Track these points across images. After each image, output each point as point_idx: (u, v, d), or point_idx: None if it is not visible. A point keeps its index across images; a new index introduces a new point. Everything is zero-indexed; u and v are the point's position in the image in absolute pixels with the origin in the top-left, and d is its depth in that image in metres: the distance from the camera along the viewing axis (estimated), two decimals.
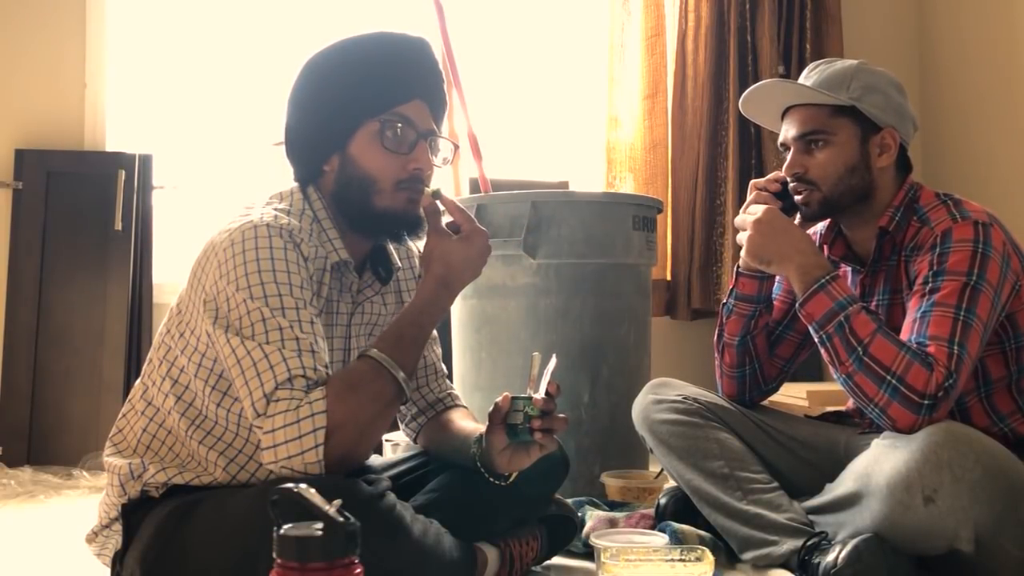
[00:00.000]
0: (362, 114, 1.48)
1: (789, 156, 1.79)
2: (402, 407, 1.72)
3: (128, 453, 1.45)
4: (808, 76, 1.80)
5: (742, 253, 1.82)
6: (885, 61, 1.81)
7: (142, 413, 1.47)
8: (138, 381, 1.51)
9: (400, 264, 1.66)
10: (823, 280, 1.63)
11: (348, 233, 1.53)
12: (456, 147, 1.65)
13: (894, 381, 1.54)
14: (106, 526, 1.45)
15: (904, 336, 1.61)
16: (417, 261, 1.69)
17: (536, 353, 1.53)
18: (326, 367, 1.34)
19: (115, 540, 1.43)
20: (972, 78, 3.76)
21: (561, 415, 1.48)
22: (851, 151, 1.74)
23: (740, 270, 1.87)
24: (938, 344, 1.56)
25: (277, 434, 1.26)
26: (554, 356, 1.54)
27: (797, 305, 1.66)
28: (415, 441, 1.76)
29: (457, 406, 1.75)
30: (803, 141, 1.77)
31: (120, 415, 1.50)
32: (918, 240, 1.71)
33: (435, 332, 1.75)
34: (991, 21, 3.67)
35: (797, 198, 1.78)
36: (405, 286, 1.68)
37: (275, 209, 1.46)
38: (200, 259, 1.44)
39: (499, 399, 1.49)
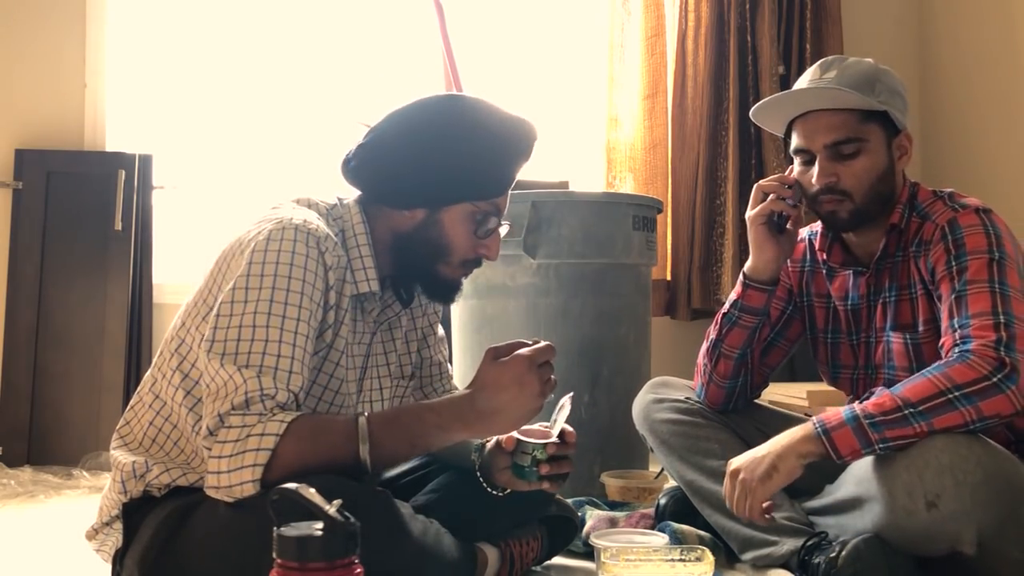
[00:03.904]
0: (472, 195, 1.49)
1: (817, 165, 1.69)
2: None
3: (134, 446, 1.44)
4: (824, 76, 1.70)
5: (747, 264, 1.81)
6: (885, 61, 1.79)
7: (149, 406, 1.45)
8: (148, 372, 1.49)
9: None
10: (817, 430, 1.52)
11: (381, 258, 1.51)
12: (510, 226, 1.62)
13: (956, 393, 1.47)
14: (107, 523, 1.44)
15: (944, 323, 1.59)
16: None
17: (571, 395, 1.52)
18: (296, 390, 1.30)
19: (115, 538, 1.43)
20: (972, 78, 3.75)
21: (567, 459, 1.50)
22: (881, 157, 1.69)
23: (748, 281, 1.80)
24: (982, 320, 1.52)
25: (222, 462, 1.24)
26: (569, 397, 1.51)
27: (838, 460, 1.53)
28: None
29: None
30: (834, 148, 1.68)
31: (129, 406, 1.49)
32: (922, 235, 1.69)
33: (442, 331, 1.75)
34: (991, 22, 3.67)
35: (827, 208, 1.70)
36: (421, 311, 1.67)
37: (311, 216, 1.43)
38: (226, 254, 1.41)
39: (504, 438, 1.49)
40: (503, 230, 1.56)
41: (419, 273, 1.52)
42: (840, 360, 1.85)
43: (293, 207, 1.46)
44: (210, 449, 1.26)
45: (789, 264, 1.89)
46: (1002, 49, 3.60)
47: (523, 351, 1.36)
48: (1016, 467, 1.48)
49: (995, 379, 1.46)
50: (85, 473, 2.89)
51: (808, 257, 1.89)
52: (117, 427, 1.49)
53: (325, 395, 1.45)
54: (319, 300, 1.37)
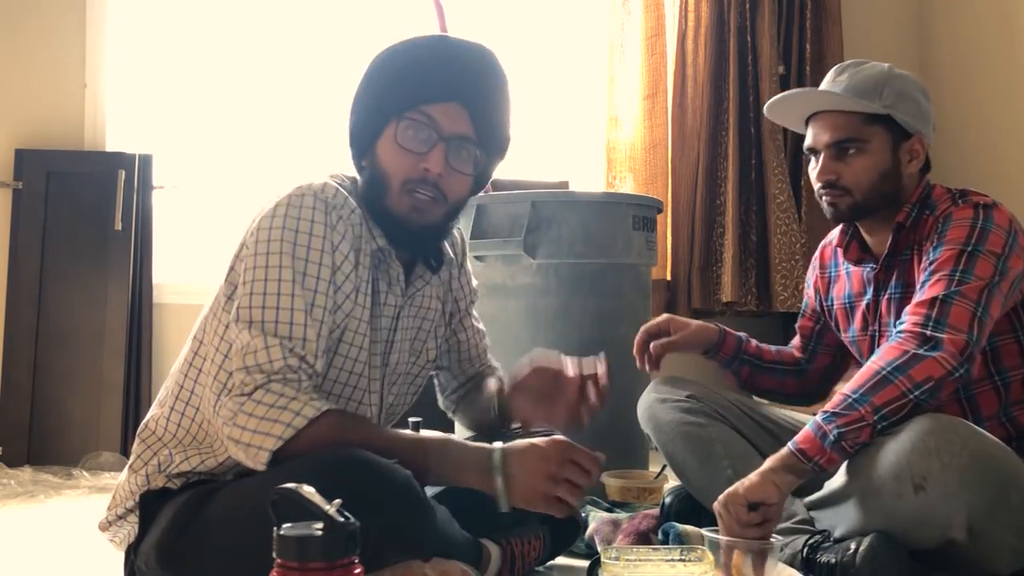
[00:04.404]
0: (389, 111, 1.44)
1: (820, 162, 1.77)
2: (441, 378, 1.77)
3: (157, 447, 1.45)
4: (836, 80, 1.77)
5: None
6: (885, 61, 1.80)
7: (177, 396, 1.46)
8: (171, 376, 1.50)
9: (450, 255, 1.64)
10: (786, 459, 1.52)
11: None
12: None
13: (888, 369, 1.52)
14: (121, 516, 1.45)
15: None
16: (466, 250, 1.72)
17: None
18: (315, 358, 1.34)
19: (128, 530, 1.43)
20: (972, 78, 3.76)
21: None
22: (883, 158, 1.74)
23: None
24: (925, 305, 1.57)
25: (251, 420, 1.28)
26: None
27: (809, 465, 1.51)
28: (453, 414, 1.80)
29: (491, 375, 1.76)
30: (835, 148, 1.75)
31: (148, 413, 1.50)
32: (927, 231, 1.72)
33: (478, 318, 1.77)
34: (991, 22, 3.67)
35: (827, 201, 1.77)
36: (456, 272, 1.67)
37: (333, 182, 1.46)
38: (250, 228, 1.43)
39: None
40: (471, 151, 1.47)
41: (382, 217, 1.47)
42: (864, 357, 1.87)
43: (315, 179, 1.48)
44: (242, 405, 1.30)
45: (819, 270, 1.98)
46: (1002, 49, 3.60)
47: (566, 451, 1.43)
48: (1004, 451, 1.49)
49: (918, 351, 1.52)
50: (85, 473, 2.89)
51: (833, 260, 1.95)
52: (139, 432, 1.49)
53: (340, 376, 1.46)
54: (337, 264, 1.39)
